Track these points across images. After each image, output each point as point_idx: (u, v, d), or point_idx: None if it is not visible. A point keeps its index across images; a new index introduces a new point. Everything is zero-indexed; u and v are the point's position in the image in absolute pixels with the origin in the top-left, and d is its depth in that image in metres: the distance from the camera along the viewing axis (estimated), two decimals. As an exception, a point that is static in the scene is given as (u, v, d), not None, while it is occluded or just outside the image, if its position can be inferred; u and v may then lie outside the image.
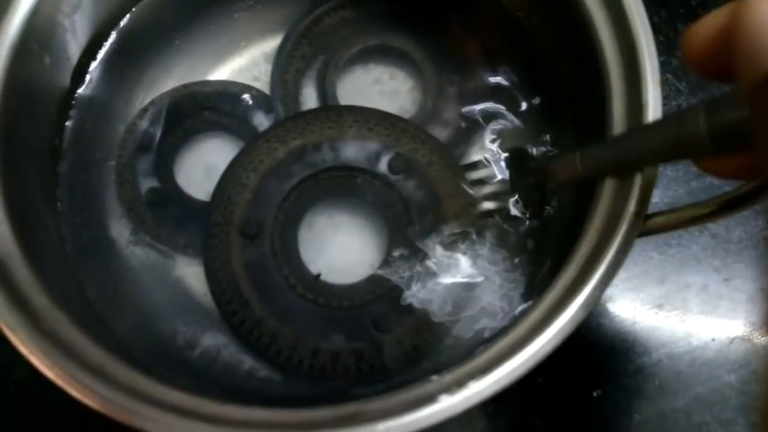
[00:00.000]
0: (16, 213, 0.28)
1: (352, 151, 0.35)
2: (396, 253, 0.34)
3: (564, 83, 0.33)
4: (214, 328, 0.35)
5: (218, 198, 0.35)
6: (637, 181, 0.25)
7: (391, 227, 0.35)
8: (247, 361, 0.35)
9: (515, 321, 0.24)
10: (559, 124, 0.33)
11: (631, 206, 0.24)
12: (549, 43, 0.33)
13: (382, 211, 0.36)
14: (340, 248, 0.37)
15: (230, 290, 0.33)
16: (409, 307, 0.33)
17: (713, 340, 0.38)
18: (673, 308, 0.38)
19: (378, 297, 0.33)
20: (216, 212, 0.34)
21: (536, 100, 0.35)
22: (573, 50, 0.30)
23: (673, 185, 0.40)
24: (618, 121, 0.26)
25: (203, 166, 0.39)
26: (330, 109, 0.37)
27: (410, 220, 0.34)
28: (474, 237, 0.34)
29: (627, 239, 0.24)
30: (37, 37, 0.30)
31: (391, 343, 0.32)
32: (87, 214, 0.35)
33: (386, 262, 0.34)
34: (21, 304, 0.25)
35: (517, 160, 0.34)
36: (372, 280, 0.34)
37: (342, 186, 0.36)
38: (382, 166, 0.35)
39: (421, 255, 0.33)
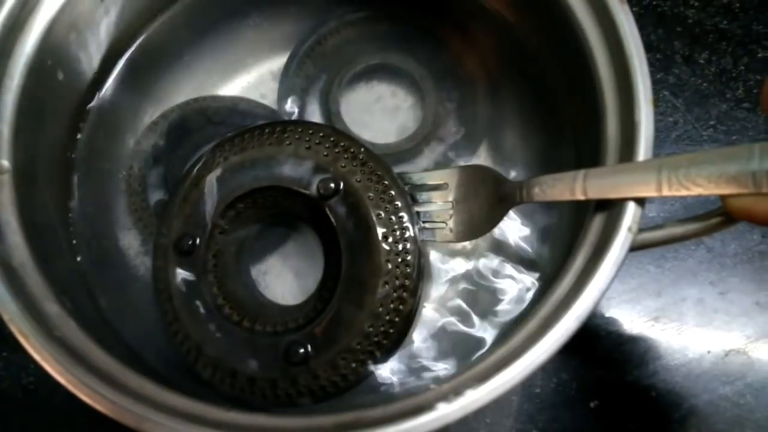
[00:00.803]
0: (29, 223, 0.29)
1: (287, 170, 0.33)
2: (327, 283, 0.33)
3: (562, 101, 0.34)
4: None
5: (165, 209, 0.34)
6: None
7: (325, 252, 0.34)
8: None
9: (511, 331, 0.25)
10: (557, 142, 0.34)
11: (625, 221, 0.25)
12: (547, 61, 0.34)
13: (317, 235, 0.35)
14: (277, 271, 0.37)
15: (165, 302, 0.33)
16: (329, 342, 0.31)
17: (709, 352, 0.38)
18: (669, 321, 0.39)
19: (299, 326, 0.32)
20: (161, 223, 0.34)
21: (534, 118, 0.36)
22: (570, 69, 0.31)
23: (669, 199, 0.41)
24: (612, 139, 0.27)
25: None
26: (276, 125, 0.35)
27: (338, 247, 0.32)
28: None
29: (620, 253, 0.25)
30: (51, 54, 0.31)
31: (305, 376, 0.30)
32: (98, 225, 0.36)
33: (318, 290, 0.33)
34: (34, 312, 0.26)
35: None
36: (300, 308, 0.33)
37: (277, 207, 0.34)
38: (313, 188, 0.33)
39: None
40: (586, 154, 0.29)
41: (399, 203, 0.32)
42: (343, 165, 0.33)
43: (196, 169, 0.35)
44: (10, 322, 0.25)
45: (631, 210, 0.25)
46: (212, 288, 0.33)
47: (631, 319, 0.39)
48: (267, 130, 0.34)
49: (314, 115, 0.40)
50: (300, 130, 0.34)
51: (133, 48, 0.38)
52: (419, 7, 0.40)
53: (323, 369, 0.30)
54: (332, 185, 0.32)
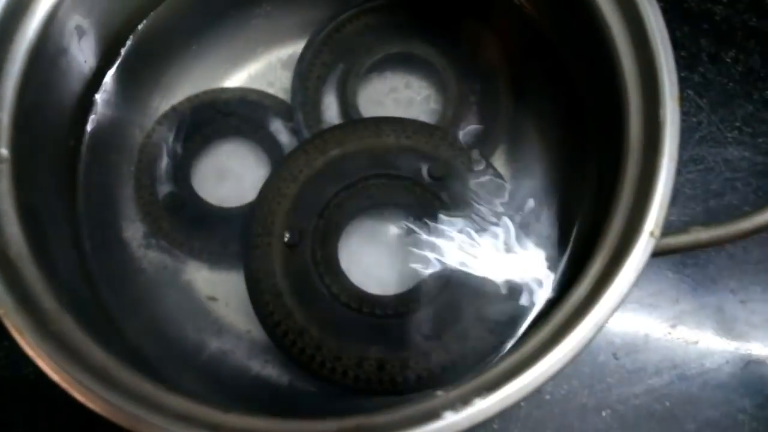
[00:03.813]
0: (29, 214, 0.28)
1: (391, 159, 0.35)
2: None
3: (584, 97, 0.32)
4: (222, 333, 0.36)
5: (258, 208, 0.35)
6: (654, 199, 0.24)
7: (432, 234, 0.35)
8: (254, 367, 0.35)
9: (524, 338, 0.24)
10: (578, 141, 0.33)
11: (647, 225, 0.24)
12: (570, 56, 0.33)
13: (422, 219, 0.35)
14: (380, 257, 0.37)
15: (273, 301, 0.33)
16: (456, 315, 0.32)
17: (727, 362, 0.37)
18: (686, 329, 0.37)
19: (422, 305, 0.33)
20: (257, 223, 0.34)
21: (555, 115, 0.35)
22: (593, 64, 0.30)
23: (690, 204, 0.39)
24: (635, 138, 0.26)
25: (216, 169, 0.39)
26: (369, 120, 0.37)
27: (452, 225, 0.34)
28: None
29: (642, 259, 0.23)
30: (53, 41, 0.31)
31: (438, 351, 0.32)
32: (102, 216, 0.36)
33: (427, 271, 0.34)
34: (29, 306, 0.25)
35: None
36: (416, 289, 0.34)
37: (381, 194, 0.36)
38: (423, 173, 0.35)
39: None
40: (608, 155, 0.28)
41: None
42: (444, 150, 0.35)
43: (291, 164, 0.35)
44: (4, 317, 0.24)
45: (654, 212, 0.24)
46: (324, 278, 0.33)
47: (648, 325, 0.38)
48: (360, 125, 0.36)
49: (331, 106, 0.39)
50: (395, 122, 0.36)
51: (138, 37, 0.37)
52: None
53: (455, 341, 0.31)
54: (441, 169, 0.35)
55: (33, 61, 0.29)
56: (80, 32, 0.32)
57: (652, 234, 0.24)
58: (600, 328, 0.23)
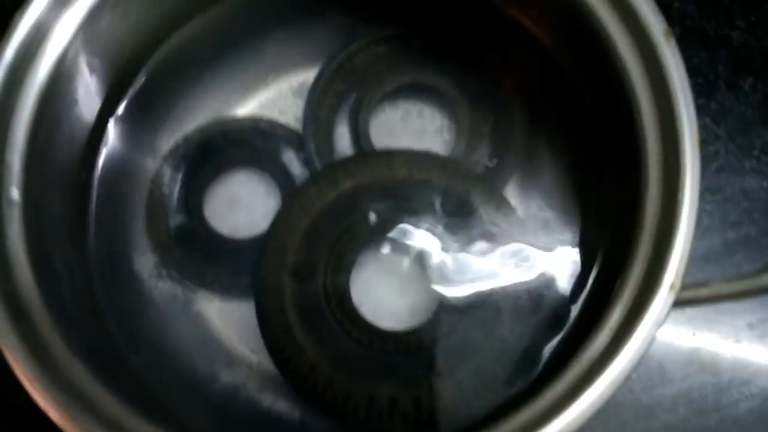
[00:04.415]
0: (39, 254, 0.28)
1: (404, 192, 0.35)
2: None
3: (601, 138, 0.32)
4: (233, 366, 0.35)
5: (270, 241, 0.35)
6: (674, 251, 0.24)
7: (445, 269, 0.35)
8: (265, 401, 0.35)
9: (537, 392, 0.23)
10: (594, 182, 0.32)
11: (666, 278, 0.23)
12: (588, 95, 0.32)
13: (435, 253, 0.35)
14: (392, 290, 0.36)
15: (284, 336, 0.33)
16: (469, 352, 0.32)
17: (746, 398, 0.36)
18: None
19: (435, 341, 0.33)
20: (267, 255, 0.34)
21: (570, 155, 0.34)
22: (611, 106, 0.29)
23: (708, 234, 0.39)
24: (653, 184, 0.25)
25: (228, 199, 0.39)
26: (381, 152, 0.37)
27: (465, 261, 0.34)
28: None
29: (661, 313, 0.23)
30: (64, 81, 0.30)
31: (450, 388, 0.32)
32: (113, 248, 0.36)
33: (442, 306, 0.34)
34: (41, 354, 0.25)
35: None
36: (429, 324, 0.34)
37: (394, 228, 0.35)
38: (435, 206, 0.35)
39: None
40: (626, 199, 0.27)
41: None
42: (458, 184, 0.35)
43: (303, 197, 0.35)
44: (14, 364, 0.24)
45: (674, 264, 0.23)
46: (336, 313, 0.33)
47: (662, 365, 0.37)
48: (373, 158, 0.36)
49: (343, 136, 0.39)
50: (408, 155, 0.36)
51: (151, 67, 0.37)
52: (452, 26, 0.38)
53: (468, 379, 0.31)
54: (453, 203, 0.34)
55: (44, 102, 0.29)
56: (91, 69, 0.32)
57: (672, 287, 0.23)
58: (618, 386, 0.22)
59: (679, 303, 0.23)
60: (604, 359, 0.23)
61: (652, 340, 0.23)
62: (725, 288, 0.23)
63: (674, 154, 0.25)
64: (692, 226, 0.24)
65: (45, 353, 0.25)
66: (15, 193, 0.27)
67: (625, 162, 0.27)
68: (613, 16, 0.27)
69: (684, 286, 0.24)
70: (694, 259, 0.37)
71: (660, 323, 0.23)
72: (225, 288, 0.36)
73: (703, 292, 0.24)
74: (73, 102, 0.32)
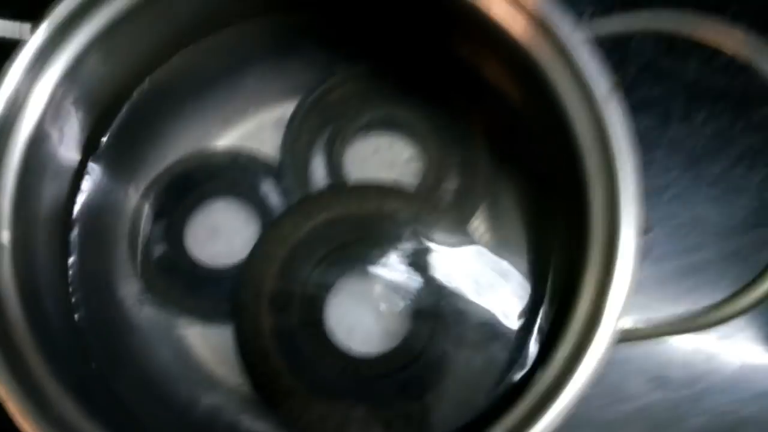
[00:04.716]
0: (28, 292, 0.30)
1: (374, 224, 0.37)
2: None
3: (556, 185, 0.34)
4: (214, 389, 0.37)
5: (247, 271, 0.37)
6: (617, 291, 0.26)
7: (414, 297, 0.37)
8: (245, 422, 0.37)
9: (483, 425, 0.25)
10: (549, 224, 0.35)
11: (610, 315, 0.26)
12: (544, 143, 0.35)
13: (403, 281, 0.37)
14: (365, 316, 0.38)
15: (261, 363, 0.35)
16: (436, 377, 0.34)
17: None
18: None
19: (404, 366, 0.35)
20: (245, 285, 0.36)
21: (529, 192, 0.36)
22: (562, 157, 0.31)
23: (661, 261, 0.41)
24: (597, 230, 0.28)
25: (208, 228, 0.40)
26: (353, 185, 0.39)
27: (433, 288, 0.36)
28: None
29: (604, 350, 0.25)
30: (50, 124, 0.32)
31: (419, 411, 0.34)
32: (97, 279, 0.37)
33: (413, 332, 0.36)
34: (33, 392, 0.26)
35: None
36: (398, 350, 0.36)
37: (366, 258, 0.37)
38: (403, 236, 0.37)
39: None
40: (575, 239, 0.30)
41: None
42: (424, 216, 0.37)
43: (280, 229, 0.37)
44: (7, 401, 0.26)
45: (615, 306, 0.26)
46: (311, 340, 0.35)
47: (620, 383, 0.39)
48: (345, 190, 0.39)
49: (319, 167, 0.41)
50: (378, 188, 0.38)
51: (134, 101, 0.39)
52: (422, 65, 0.40)
53: (436, 400, 0.34)
54: (421, 238, 0.36)
55: (31, 147, 0.31)
56: (75, 111, 0.34)
57: (615, 325, 0.25)
58: (565, 417, 0.25)
59: (623, 340, 0.26)
60: (552, 393, 0.26)
61: (597, 374, 0.26)
62: (666, 326, 0.26)
63: (614, 203, 0.27)
64: (632, 272, 0.26)
65: (36, 390, 0.27)
66: (5, 236, 0.29)
67: (575, 205, 0.30)
68: (563, 73, 0.30)
69: (626, 325, 0.26)
70: (648, 285, 0.41)
71: (604, 359, 0.25)
72: (206, 314, 0.38)
73: (644, 330, 0.26)
74: (59, 143, 0.34)
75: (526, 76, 0.33)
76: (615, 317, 0.26)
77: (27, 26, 0.31)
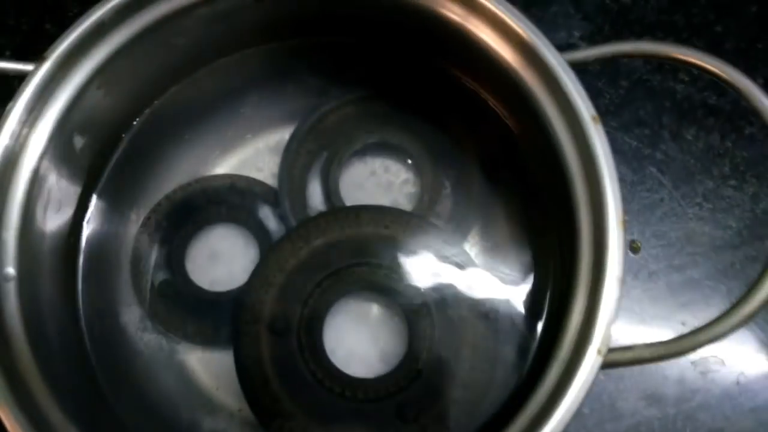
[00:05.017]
0: (34, 326, 0.31)
1: (371, 248, 0.38)
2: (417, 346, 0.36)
3: (547, 206, 0.35)
4: (215, 413, 0.38)
5: (247, 297, 0.37)
6: (599, 320, 0.27)
7: (411, 318, 0.37)
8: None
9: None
10: (543, 242, 0.36)
11: (594, 343, 0.26)
12: (535, 164, 0.36)
13: (401, 304, 0.38)
14: (363, 338, 0.39)
15: (261, 387, 0.36)
16: (432, 398, 0.35)
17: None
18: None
19: (401, 389, 0.35)
20: (245, 310, 0.37)
21: (522, 214, 0.37)
22: (552, 179, 0.32)
23: (653, 277, 0.42)
24: (584, 256, 0.28)
25: (208, 253, 0.41)
26: (349, 209, 0.40)
27: (429, 311, 0.37)
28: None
29: (589, 374, 0.26)
30: (52, 158, 0.33)
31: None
32: (101, 305, 0.38)
33: (408, 356, 0.36)
34: (40, 422, 0.27)
35: None
36: (395, 372, 0.36)
37: (363, 281, 0.38)
38: (399, 261, 0.37)
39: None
40: (566, 264, 0.31)
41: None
42: (420, 240, 0.37)
43: (278, 254, 0.38)
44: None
45: (600, 332, 0.26)
46: (309, 364, 0.36)
47: (613, 401, 0.40)
48: (341, 215, 0.39)
49: (315, 192, 0.42)
50: (374, 211, 0.39)
51: (134, 131, 0.40)
52: (416, 90, 0.41)
53: (432, 424, 0.34)
54: (417, 259, 0.37)
55: (35, 181, 0.32)
56: (78, 141, 0.35)
57: (599, 352, 0.26)
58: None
59: (606, 365, 0.26)
60: (543, 414, 0.26)
61: (585, 395, 0.26)
62: (646, 352, 0.26)
63: (601, 227, 0.28)
64: (616, 298, 0.27)
65: (42, 420, 0.28)
66: (11, 270, 0.30)
67: (565, 224, 0.30)
68: (550, 100, 0.31)
69: (611, 350, 0.27)
70: (641, 301, 0.41)
71: (589, 382, 0.26)
72: (207, 339, 0.39)
73: (627, 355, 0.27)
74: (61, 176, 0.35)
75: (516, 100, 0.34)
76: (598, 345, 0.27)
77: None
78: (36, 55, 0.33)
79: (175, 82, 0.41)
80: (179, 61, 0.40)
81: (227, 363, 0.38)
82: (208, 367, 0.39)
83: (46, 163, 0.33)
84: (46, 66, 0.32)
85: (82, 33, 0.33)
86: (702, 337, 0.27)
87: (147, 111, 0.41)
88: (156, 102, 0.41)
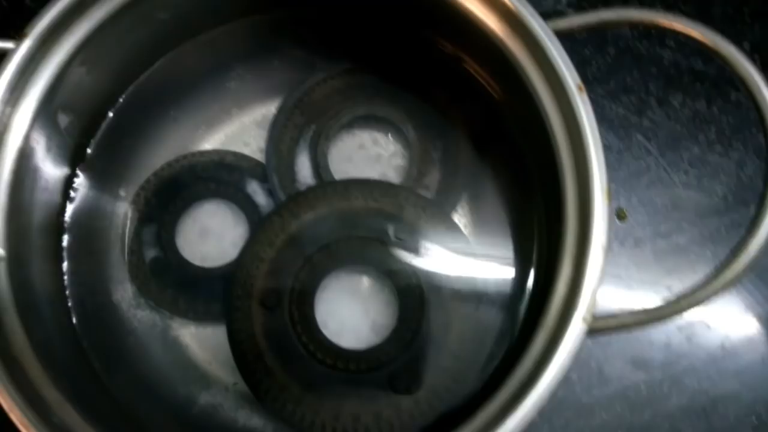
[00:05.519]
0: (25, 302, 0.31)
1: (360, 221, 0.38)
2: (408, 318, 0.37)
3: (533, 172, 0.35)
4: (210, 387, 0.38)
5: (238, 272, 0.38)
6: (585, 288, 0.27)
7: (401, 290, 0.38)
8: (241, 419, 0.38)
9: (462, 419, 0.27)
10: (528, 208, 0.36)
11: (580, 311, 0.27)
12: (521, 133, 0.36)
13: (391, 276, 0.38)
14: (354, 310, 0.39)
15: (254, 361, 0.36)
16: (423, 368, 0.36)
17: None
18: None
19: (392, 359, 0.36)
20: (236, 286, 0.37)
21: (509, 181, 0.37)
22: (537, 147, 0.32)
23: (640, 244, 0.42)
24: (570, 225, 0.29)
25: (198, 229, 0.41)
26: (338, 183, 0.40)
27: (418, 282, 0.37)
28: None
29: (574, 341, 0.27)
30: (38, 135, 0.33)
31: (408, 402, 0.35)
32: (92, 283, 0.38)
33: (398, 327, 0.37)
34: (34, 400, 0.28)
35: None
36: (386, 343, 0.37)
37: (352, 254, 0.38)
38: (389, 233, 0.38)
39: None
40: (551, 232, 0.31)
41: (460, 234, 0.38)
42: (409, 212, 0.38)
43: (268, 230, 0.38)
44: (10, 412, 0.27)
45: (585, 300, 0.27)
46: (302, 337, 0.36)
47: (600, 367, 0.41)
48: (330, 189, 0.39)
49: (304, 166, 0.41)
50: (363, 185, 0.39)
51: (119, 108, 0.40)
52: (403, 62, 0.41)
53: (423, 393, 0.35)
54: (405, 231, 0.37)
55: (21, 160, 0.32)
56: (62, 121, 0.35)
57: (584, 319, 0.27)
58: (541, 406, 0.26)
59: (592, 332, 0.27)
60: (530, 380, 0.27)
61: (570, 361, 0.27)
62: (629, 319, 0.27)
63: (586, 196, 0.28)
64: (600, 267, 0.27)
65: (37, 398, 0.28)
66: (0, 250, 0.30)
67: (552, 191, 0.31)
68: (536, 70, 0.31)
69: (595, 318, 0.27)
70: (627, 268, 0.42)
71: (575, 349, 0.27)
72: (199, 314, 0.39)
73: (611, 322, 0.27)
74: (47, 155, 0.35)
75: (503, 70, 0.34)
76: (583, 313, 0.27)
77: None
78: (16, 32, 0.32)
79: (159, 57, 0.41)
80: (162, 36, 0.40)
81: (221, 338, 0.38)
82: (202, 342, 0.39)
83: (31, 143, 0.33)
84: (27, 43, 0.32)
85: (63, 8, 0.33)
86: (684, 303, 0.28)
87: (131, 88, 0.40)
88: (140, 78, 0.41)
